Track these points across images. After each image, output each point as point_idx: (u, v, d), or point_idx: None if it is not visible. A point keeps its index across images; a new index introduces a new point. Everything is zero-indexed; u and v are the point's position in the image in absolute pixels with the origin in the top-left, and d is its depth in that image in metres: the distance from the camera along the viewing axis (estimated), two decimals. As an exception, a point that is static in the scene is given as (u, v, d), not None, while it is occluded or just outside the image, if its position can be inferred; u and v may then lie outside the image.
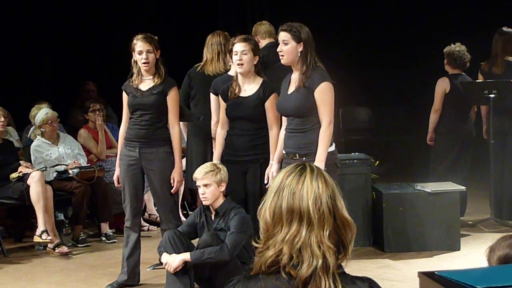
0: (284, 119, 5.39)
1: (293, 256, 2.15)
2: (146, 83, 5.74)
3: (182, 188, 8.00)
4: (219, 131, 5.83)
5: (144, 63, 5.66)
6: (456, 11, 10.87)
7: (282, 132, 5.39)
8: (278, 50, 5.22)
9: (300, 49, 5.14)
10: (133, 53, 5.70)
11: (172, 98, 5.73)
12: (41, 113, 7.69)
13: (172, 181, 5.72)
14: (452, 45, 7.76)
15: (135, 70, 5.75)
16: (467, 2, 10.86)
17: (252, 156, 5.66)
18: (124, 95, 5.83)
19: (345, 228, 2.21)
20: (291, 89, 5.23)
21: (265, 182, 5.49)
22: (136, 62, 5.72)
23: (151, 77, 5.73)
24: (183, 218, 7.45)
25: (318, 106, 5.11)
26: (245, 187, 5.67)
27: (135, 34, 5.72)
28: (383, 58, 11.18)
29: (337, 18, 11.36)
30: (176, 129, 5.77)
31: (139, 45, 5.65)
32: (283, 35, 5.17)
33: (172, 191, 5.74)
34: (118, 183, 5.88)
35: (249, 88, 5.67)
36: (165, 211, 5.82)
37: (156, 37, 5.76)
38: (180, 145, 5.84)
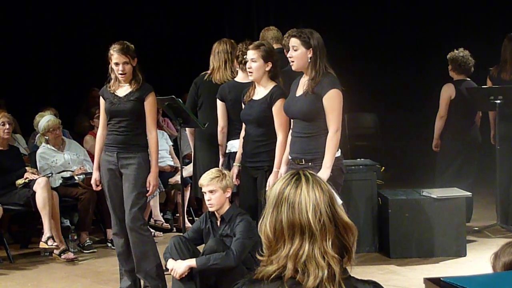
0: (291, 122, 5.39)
1: (298, 270, 2.14)
2: (123, 89, 5.73)
3: (188, 194, 8.01)
4: (241, 135, 5.85)
5: (120, 74, 5.67)
6: (461, 16, 10.87)
7: (290, 135, 5.39)
8: (288, 56, 5.23)
9: (310, 55, 5.14)
10: (110, 61, 5.71)
11: (150, 104, 5.71)
12: (43, 121, 7.72)
13: (148, 185, 5.71)
14: (455, 51, 7.75)
15: (112, 76, 5.75)
16: (472, 8, 10.85)
17: (257, 163, 5.66)
18: (102, 101, 5.83)
19: (347, 232, 2.22)
20: (299, 92, 5.23)
21: (266, 189, 5.49)
22: (112, 69, 5.72)
23: (128, 83, 5.73)
24: (188, 225, 7.46)
25: (326, 113, 5.10)
26: (255, 193, 5.67)
27: (112, 43, 5.69)
28: (388, 64, 11.18)
29: (343, 24, 11.36)
30: (154, 134, 5.75)
31: (115, 57, 5.64)
32: (293, 41, 5.18)
33: (147, 194, 5.75)
34: (97, 186, 5.87)
35: (260, 92, 5.68)
36: (129, 215, 5.68)
37: (132, 46, 5.71)
38: (157, 150, 5.80)
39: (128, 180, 5.70)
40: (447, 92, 7.75)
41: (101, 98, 5.84)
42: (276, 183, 2.28)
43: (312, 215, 2.17)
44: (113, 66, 5.68)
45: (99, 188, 5.88)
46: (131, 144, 5.70)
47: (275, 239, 2.19)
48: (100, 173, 5.83)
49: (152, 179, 5.71)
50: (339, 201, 5.02)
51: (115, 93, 5.73)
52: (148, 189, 5.71)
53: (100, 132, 5.85)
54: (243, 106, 5.79)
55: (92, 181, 5.91)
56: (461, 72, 7.75)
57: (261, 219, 2.24)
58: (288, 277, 2.14)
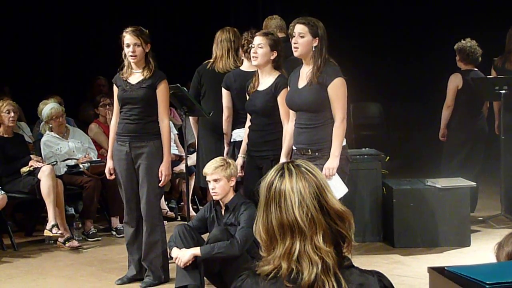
0: (292, 113, 5.36)
1: (292, 268, 2.14)
2: (136, 77, 5.71)
3: (192, 182, 8.01)
4: (246, 125, 5.84)
5: (131, 56, 5.63)
6: (467, 5, 10.82)
7: (291, 126, 5.37)
8: (293, 42, 5.19)
9: (315, 44, 5.12)
10: (122, 44, 5.68)
11: (162, 92, 5.70)
12: (47, 108, 7.72)
13: (160, 175, 5.70)
14: (463, 41, 7.73)
15: (125, 63, 5.73)
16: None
17: (263, 152, 5.64)
18: (115, 88, 5.81)
19: (341, 219, 2.19)
20: (302, 83, 5.20)
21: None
22: (126, 55, 5.70)
23: (141, 70, 5.70)
24: (193, 213, 7.47)
25: (332, 102, 5.09)
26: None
27: (126, 27, 5.68)
28: (394, 54, 11.15)
29: (348, 13, 11.33)
30: (166, 123, 5.74)
31: (127, 38, 5.62)
32: (300, 28, 5.15)
33: (160, 184, 5.72)
34: (110, 174, 5.86)
35: (265, 82, 5.66)
36: (145, 204, 5.71)
37: (147, 31, 5.70)
38: (170, 139, 5.80)
39: (142, 170, 5.70)
40: (455, 82, 7.73)
41: (114, 85, 5.82)
42: (264, 179, 2.26)
43: (299, 212, 2.16)
44: (125, 49, 5.66)
45: (113, 177, 5.86)
46: (143, 133, 5.69)
47: (269, 240, 2.20)
48: (113, 162, 5.81)
49: (164, 168, 5.71)
50: (343, 189, 5.02)
51: (128, 80, 5.71)
52: (161, 178, 5.71)
53: (114, 120, 5.83)
54: (247, 97, 5.77)
55: (106, 170, 5.89)
56: (469, 62, 7.73)
57: (255, 221, 2.25)
58: (284, 276, 2.14)
